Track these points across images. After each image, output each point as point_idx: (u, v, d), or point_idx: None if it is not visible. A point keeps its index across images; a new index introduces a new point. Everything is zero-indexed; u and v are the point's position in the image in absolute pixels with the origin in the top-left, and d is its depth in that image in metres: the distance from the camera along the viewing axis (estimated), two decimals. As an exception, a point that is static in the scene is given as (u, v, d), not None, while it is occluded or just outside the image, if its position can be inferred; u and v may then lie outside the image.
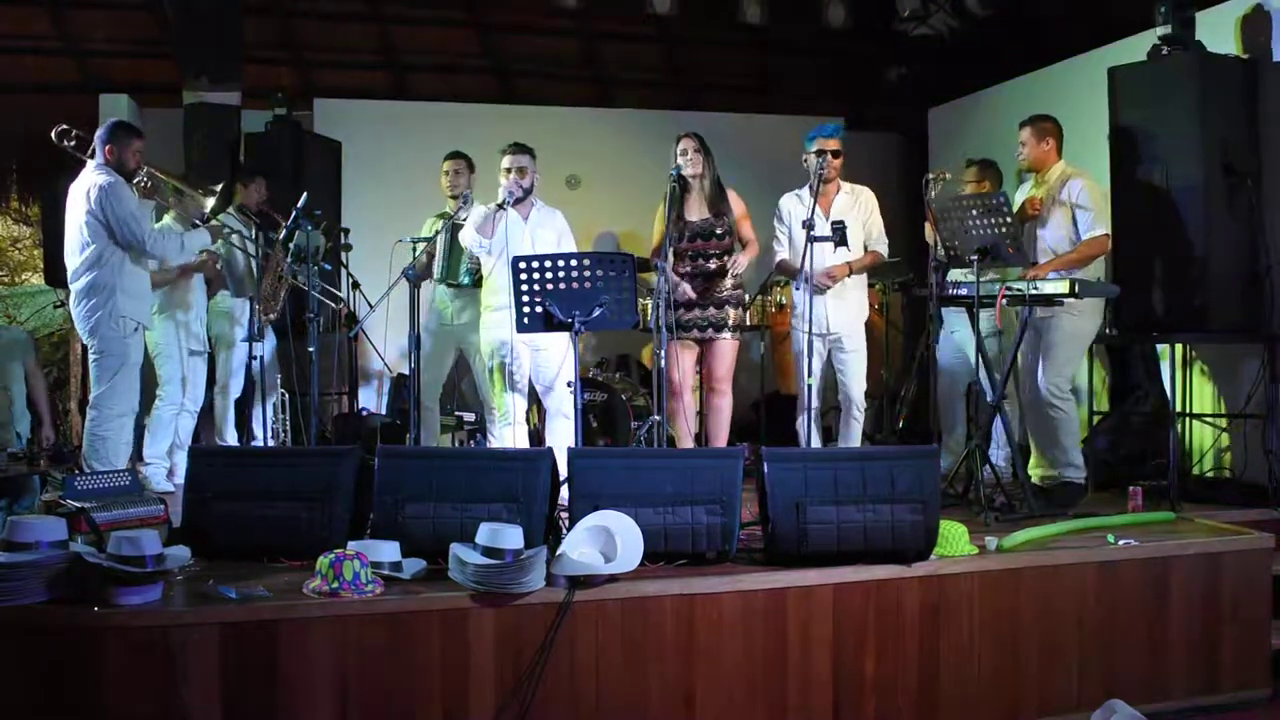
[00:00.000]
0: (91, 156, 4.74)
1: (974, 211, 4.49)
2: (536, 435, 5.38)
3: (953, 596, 3.50)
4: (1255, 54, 5.14)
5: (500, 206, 4.66)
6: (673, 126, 4.89)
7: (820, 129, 4.90)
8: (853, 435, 4.98)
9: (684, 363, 4.76)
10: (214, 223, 5.04)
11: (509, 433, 4.82)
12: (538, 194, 4.93)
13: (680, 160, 4.76)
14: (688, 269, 4.87)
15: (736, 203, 4.90)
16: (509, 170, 4.75)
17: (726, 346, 4.90)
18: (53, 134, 4.77)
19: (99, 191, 4.59)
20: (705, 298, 4.85)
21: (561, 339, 4.59)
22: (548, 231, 4.85)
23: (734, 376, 5.09)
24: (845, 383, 4.96)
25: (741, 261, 4.86)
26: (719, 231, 4.87)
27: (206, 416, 5.83)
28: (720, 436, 4.97)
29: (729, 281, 4.88)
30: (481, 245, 4.75)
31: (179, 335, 5.44)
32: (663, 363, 4.52)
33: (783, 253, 5.05)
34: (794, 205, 4.99)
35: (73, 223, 4.70)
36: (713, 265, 4.86)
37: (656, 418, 4.46)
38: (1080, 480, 4.82)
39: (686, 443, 4.93)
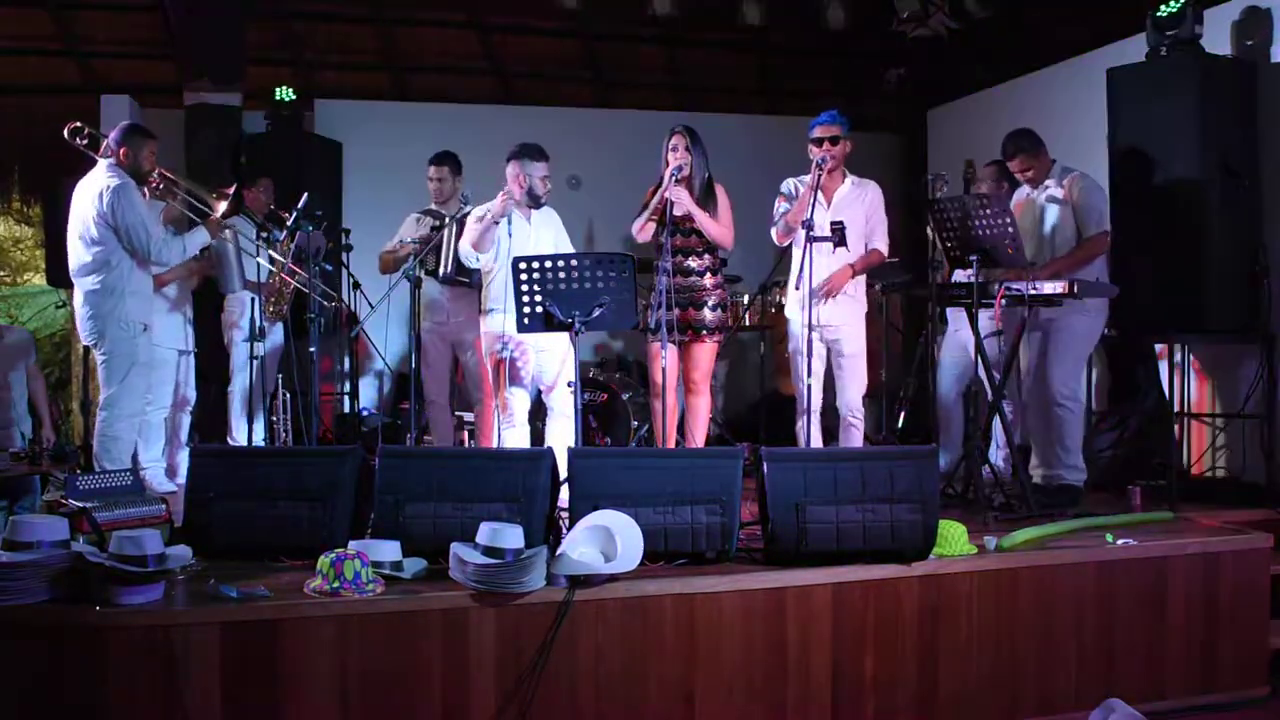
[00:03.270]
0: (103, 156, 4.70)
1: (974, 212, 4.49)
2: (536, 436, 5.38)
3: (952, 596, 3.50)
4: (1253, 55, 5.15)
5: (495, 222, 4.65)
6: (670, 127, 4.85)
7: (818, 118, 4.80)
8: (853, 442, 4.90)
9: (667, 363, 4.68)
10: (212, 219, 5.03)
11: (511, 434, 4.82)
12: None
13: (670, 156, 4.71)
14: (668, 266, 4.79)
15: (722, 198, 4.84)
16: (534, 176, 4.74)
17: (704, 349, 4.83)
18: (65, 131, 4.72)
19: (111, 194, 4.56)
20: (684, 297, 4.74)
21: (562, 339, 4.59)
22: (548, 231, 4.86)
23: (734, 376, 5.03)
24: (843, 389, 4.87)
25: (694, 209, 4.64)
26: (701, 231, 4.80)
27: (218, 415, 5.84)
28: (698, 436, 4.94)
29: (709, 281, 4.83)
30: (478, 260, 4.74)
31: (174, 337, 5.45)
32: (665, 363, 4.51)
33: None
34: (800, 188, 4.86)
35: (79, 221, 4.65)
36: (692, 263, 4.82)
37: (635, 424, 4.40)
38: (1078, 483, 4.80)
39: (667, 444, 4.88)
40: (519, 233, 4.72)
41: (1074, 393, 4.81)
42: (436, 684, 3.04)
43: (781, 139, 7.52)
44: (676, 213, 4.65)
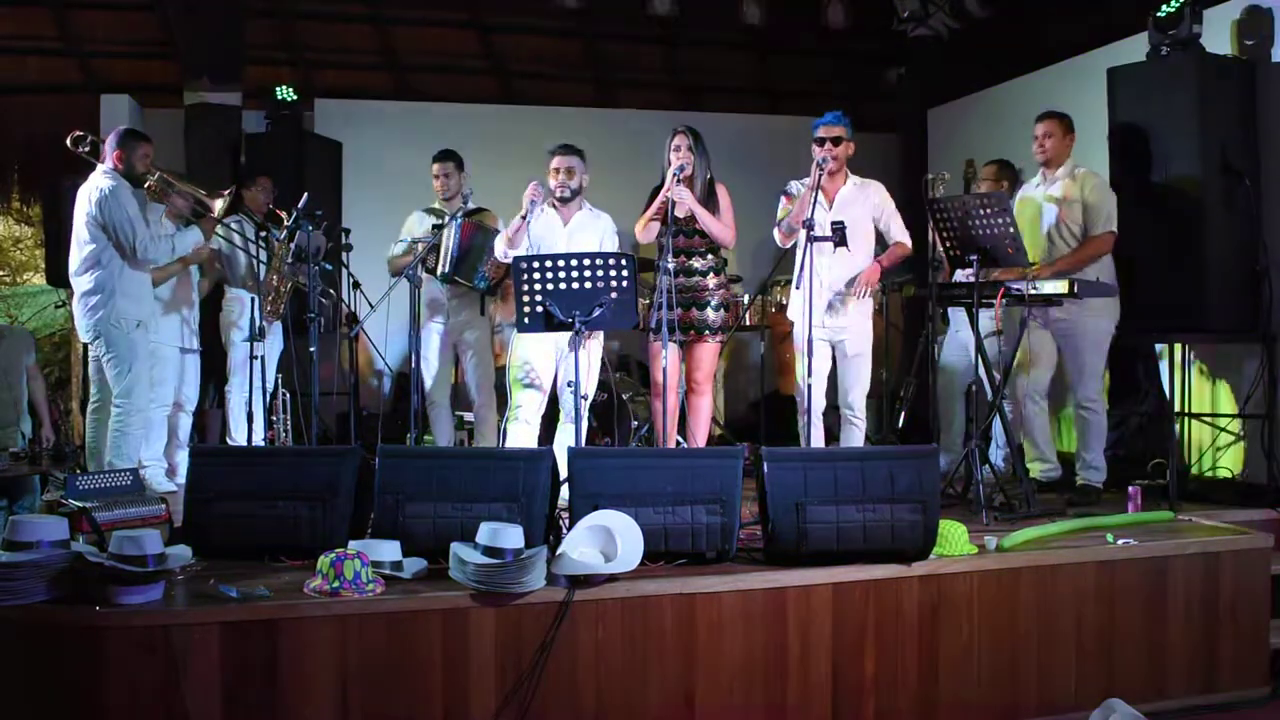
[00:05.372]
0: (102, 161, 4.83)
1: (974, 211, 4.49)
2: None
3: (952, 596, 3.50)
4: (1253, 54, 5.15)
5: (523, 218, 4.63)
6: (673, 126, 4.85)
7: (822, 118, 4.79)
8: (854, 442, 4.89)
9: (668, 363, 4.67)
10: (207, 219, 5.06)
11: (516, 429, 4.80)
12: (586, 195, 4.86)
13: (673, 156, 4.70)
14: (671, 266, 4.78)
15: (724, 198, 4.84)
16: (557, 170, 4.72)
17: (707, 349, 4.82)
18: (68, 141, 4.86)
19: (99, 194, 4.71)
20: (686, 297, 4.74)
21: (584, 356, 4.53)
22: (587, 234, 4.77)
23: (734, 376, 5.02)
24: (845, 387, 4.86)
25: (697, 208, 4.65)
26: (695, 229, 4.79)
27: (218, 415, 5.84)
28: (699, 436, 4.93)
29: (713, 281, 4.83)
30: (506, 255, 4.73)
31: (174, 335, 5.47)
32: (666, 363, 4.50)
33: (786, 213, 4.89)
34: (803, 189, 4.87)
35: (77, 225, 4.81)
36: (696, 264, 4.81)
37: (635, 423, 4.40)
38: (1100, 484, 4.86)
39: (667, 444, 4.86)
40: (552, 232, 4.72)
41: (1099, 395, 4.87)
42: (436, 684, 3.03)
43: (781, 139, 7.53)
44: (679, 213, 4.65)
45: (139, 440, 4.89)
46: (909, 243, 4.86)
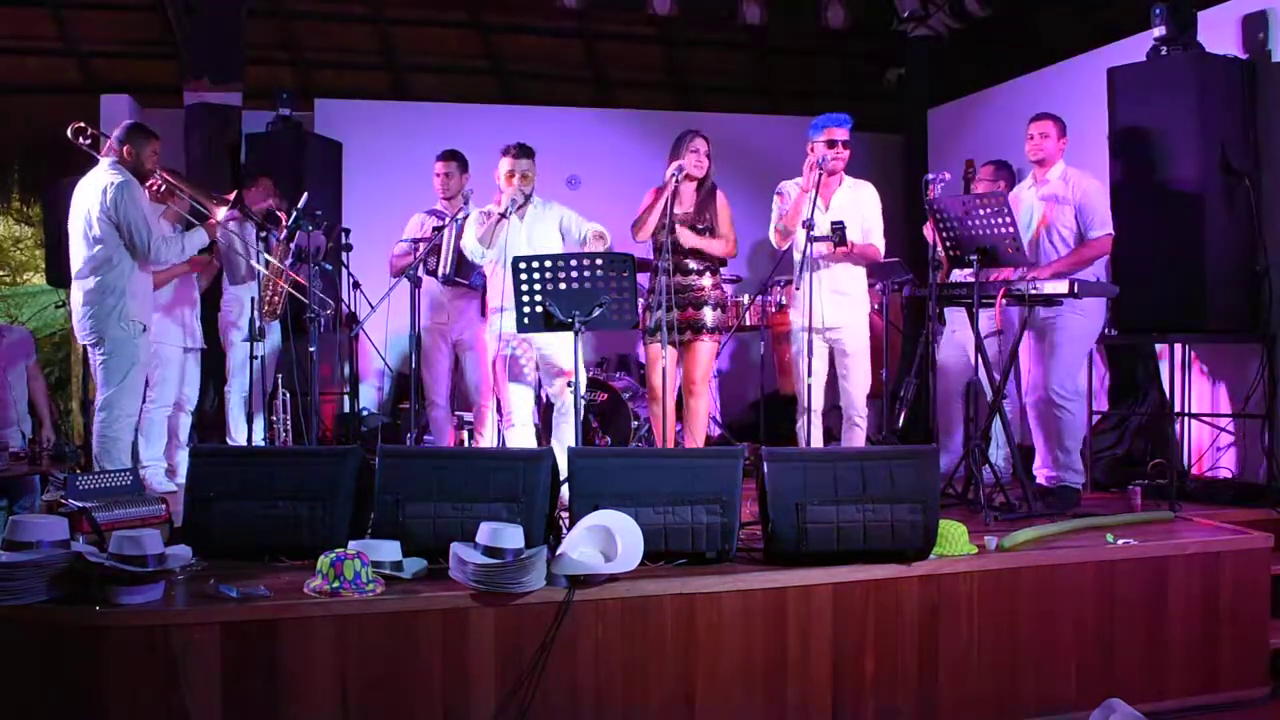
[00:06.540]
0: (106, 154, 4.64)
1: (974, 211, 4.49)
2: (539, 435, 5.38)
3: (952, 596, 3.50)
4: (1253, 55, 5.15)
5: (503, 215, 4.64)
6: (673, 126, 4.84)
7: (829, 118, 4.75)
8: (855, 442, 4.88)
9: (666, 363, 4.64)
10: (210, 221, 5.02)
11: (513, 434, 4.81)
12: (535, 192, 4.91)
13: (690, 158, 4.70)
14: (667, 266, 4.78)
15: (722, 204, 4.83)
16: (512, 174, 4.74)
17: (704, 349, 4.81)
18: (69, 131, 4.66)
19: (115, 191, 4.49)
20: (683, 297, 4.74)
21: (565, 337, 4.58)
22: (546, 225, 4.83)
23: (734, 377, 5.02)
24: (846, 388, 4.86)
25: (698, 241, 4.70)
26: (699, 228, 4.77)
27: (218, 415, 5.85)
28: (698, 437, 4.93)
29: (708, 281, 4.83)
30: (484, 256, 4.75)
31: (176, 335, 5.46)
32: (665, 364, 4.50)
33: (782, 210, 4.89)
34: (797, 190, 4.83)
35: (80, 219, 4.58)
36: (691, 264, 4.80)
37: (635, 424, 4.39)
38: (1078, 485, 4.79)
39: (667, 444, 4.85)
40: (510, 231, 4.74)
41: (1073, 393, 4.78)
42: (436, 684, 3.04)
43: (781, 139, 7.51)
44: (678, 209, 4.65)
45: (127, 445, 4.73)
46: (881, 251, 4.88)
